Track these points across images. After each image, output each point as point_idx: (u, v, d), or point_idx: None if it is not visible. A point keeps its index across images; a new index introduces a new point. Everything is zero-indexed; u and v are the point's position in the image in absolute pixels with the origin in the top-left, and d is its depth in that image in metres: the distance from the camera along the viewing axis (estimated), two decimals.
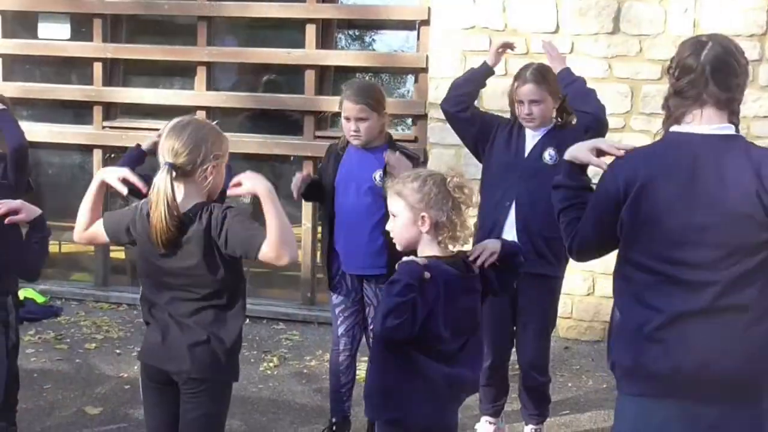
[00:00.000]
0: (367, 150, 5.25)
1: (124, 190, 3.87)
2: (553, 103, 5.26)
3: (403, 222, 3.70)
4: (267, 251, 3.58)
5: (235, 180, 3.66)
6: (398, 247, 3.79)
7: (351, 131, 5.20)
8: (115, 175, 3.87)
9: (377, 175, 5.18)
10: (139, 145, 5.26)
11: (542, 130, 5.26)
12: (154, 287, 3.87)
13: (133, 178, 3.86)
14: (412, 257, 3.64)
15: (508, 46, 5.49)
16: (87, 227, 3.96)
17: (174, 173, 3.67)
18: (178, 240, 3.70)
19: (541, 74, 5.22)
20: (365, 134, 5.19)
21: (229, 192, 3.68)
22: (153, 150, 4.93)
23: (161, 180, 3.64)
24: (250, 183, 3.63)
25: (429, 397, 3.70)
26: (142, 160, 5.12)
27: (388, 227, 3.80)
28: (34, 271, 4.34)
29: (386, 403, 3.77)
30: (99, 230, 3.94)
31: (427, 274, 3.55)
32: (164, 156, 3.71)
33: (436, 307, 3.59)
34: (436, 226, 3.64)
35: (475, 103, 7.13)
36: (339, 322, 5.43)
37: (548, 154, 5.17)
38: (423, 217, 3.64)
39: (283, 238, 3.58)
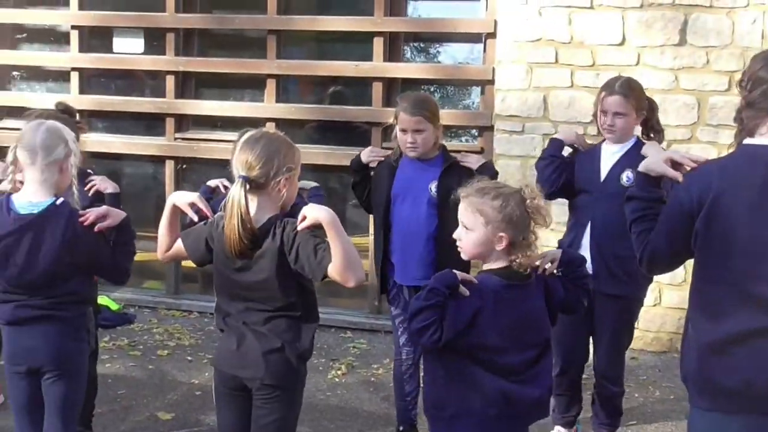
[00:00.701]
0: (422, 161, 5.32)
1: (195, 216, 4.02)
2: (636, 119, 5.28)
3: (477, 237, 3.69)
4: (333, 275, 3.68)
5: (300, 215, 3.76)
6: (464, 257, 3.81)
7: (407, 143, 5.27)
8: (184, 200, 4.02)
9: (433, 186, 5.26)
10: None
11: (620, 149, 5.27)
12: (229, 299, 3.99)
13: (201, 204, 4.00)
14: (451, 269, 3.67)
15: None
16: (168, 248, 4.13)
17: (248, 186, 3.77)
18: (252, 254, 3.81)
19: (629, 88, 5.25)
20: (422, 145, 5.26)
21: (299, 228, 3.76)
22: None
23: (235, 193, 3.75)
24: (314, 214, 3.72)
25: (485, 413, 3.68)
26: (210, 193, 5.20)
27: (456, 236, 3.79)
28: (124, 274, 4.47)
29: (440, 416, 3.77)
30: (180, 249, 4.10)
31: (464, 290, 3.58)
32: (238, 169, 3.81)
33: (483, 317, 3.59)
34: (511, 245, 3.67)
35: (542, 112, 7.24)
36: (400, 333, 5.51)
37: (626, 177, 5.15)
38: (501, 237, 3.66)
39: (348, 263, 3.67)
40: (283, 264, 3.79)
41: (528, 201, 3.68)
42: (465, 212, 3.75)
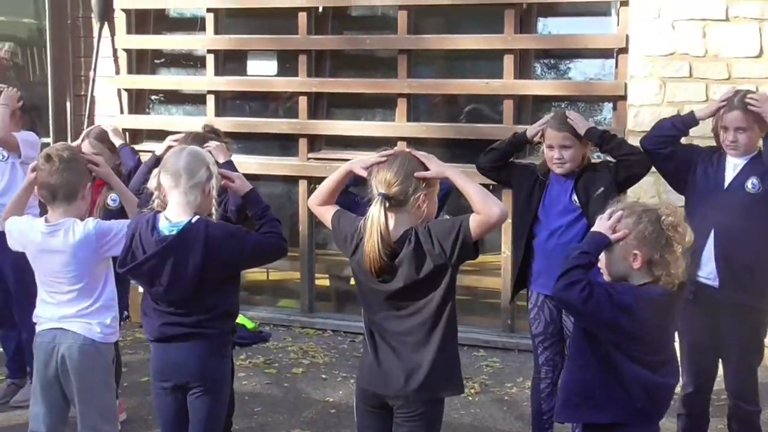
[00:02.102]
0: (567, 177, 5.30)
1: (363, 172, 4.04)
2: (760, 132, 5.15)
3: (613, 256, 3.74)
4: (475, 216, 3.75)
5: (427, 173, 3.87)
6: (605, 278, 3.84)
7: (554, 159, 5.26)
8: (360, 165, 4.06)
9: (575, 196, 5.26)
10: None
11: (745, 158, 5.15)
12: (372, 311, 4.03)
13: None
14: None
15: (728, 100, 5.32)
16: (321, 203, 4.20)
17: (387, 203, 3.83)
18: (391, 265, 3.85)
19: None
20: (569, 161, 5.25)
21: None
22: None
23: (375, 210, 3.81)
24: (438, 168, 3.89)
25: (626, 402, 3.73)
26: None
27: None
28: (278, 246, 4.50)
29: (586, 404, 3.82)
30: (328, 216, 4.16)
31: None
32: (377, 187, 3.87)
33: (650, 331, 3.67)
34: (649, 264, 3.68)
35: None
36: (539, 352, 5.47)
37: (750, 183, 5.07)
38: (635, 254, 3.68)
39: (486, 197, 3.78)
40: (422, 265, 3.82)
41: (663, 218, 3.67)
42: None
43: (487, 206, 3.75)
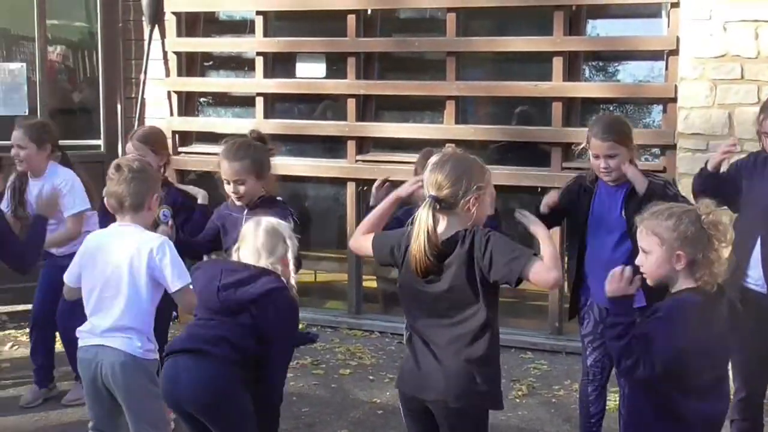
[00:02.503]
0: (618, 187, 5.25)
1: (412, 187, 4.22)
2: None
3: (655, 259, 3.72)
4: (538, 270, 3.74)
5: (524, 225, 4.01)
6: (649, 283, 3.80)
7: (601, 168, 5.18)
8: (404, 188, 4.24)
9: (623, 212, 5.18)
10: None
11: None
12: (415, 315, 4.03)
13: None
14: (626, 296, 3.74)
15: (730, 151, 5.26)
16: (368, 231, 4.24)
17: (437, 206, 3.83)
18: (439, 267, 3.85)
19: None
20: (616, 170, 5.16)
21: (533, 228, 3.99)
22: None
23: (423, 213, 3.81)
24: (536, 227, 3.99)
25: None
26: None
27: (638, 262, 3.81)
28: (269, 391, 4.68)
29: None
30: (367, 244, 4.19)
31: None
32: (428, 189, 3.88)
33: (687, 341, 3.60)
34: (692, 264, 3.65)
35: (726, 130, 7.02)
36: (588, 353, 5.44)
37: None
38: (678, 255, 3.65)
39: (555, 262, 3.76)
40: (472, 270, 3.83)
41: (703, 217, 3.66)
42: (641, 236, 3.80)
43: (550, 270, 3.76)
